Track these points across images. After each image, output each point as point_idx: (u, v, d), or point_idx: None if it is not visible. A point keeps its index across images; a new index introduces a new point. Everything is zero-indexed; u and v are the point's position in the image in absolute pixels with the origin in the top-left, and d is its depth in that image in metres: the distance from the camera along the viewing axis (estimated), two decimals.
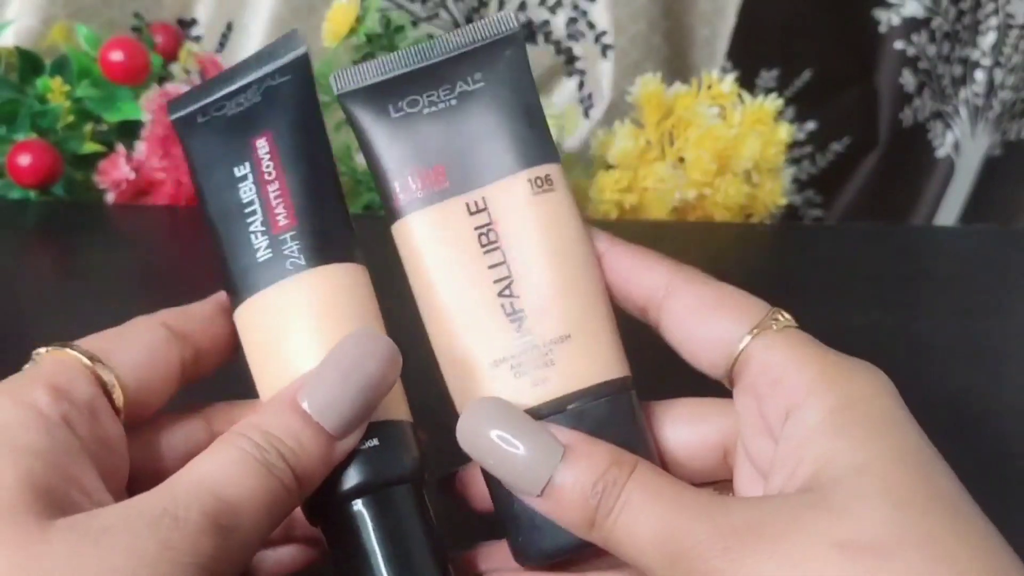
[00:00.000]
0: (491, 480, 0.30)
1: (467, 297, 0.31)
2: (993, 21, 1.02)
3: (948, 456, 0.40)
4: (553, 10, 0.95)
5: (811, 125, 1.04)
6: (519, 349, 0.30)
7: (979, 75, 1.05)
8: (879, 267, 0.67)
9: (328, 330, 0.30)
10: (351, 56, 0.76)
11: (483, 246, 0.31)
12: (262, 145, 0.32)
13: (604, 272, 0.32)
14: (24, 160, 0.66)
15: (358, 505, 0.29)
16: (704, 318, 0.30)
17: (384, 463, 0.29)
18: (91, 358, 0.28)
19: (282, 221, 0.31)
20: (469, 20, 0.94)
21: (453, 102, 0.32)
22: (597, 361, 0.30)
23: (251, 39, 0.87)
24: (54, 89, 0.70)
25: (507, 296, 0.30)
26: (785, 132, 0.76)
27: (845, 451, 0.25)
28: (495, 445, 0.27)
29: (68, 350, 0.28)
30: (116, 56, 0.71)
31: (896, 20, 1.00)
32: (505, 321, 0.30)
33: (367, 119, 0.32)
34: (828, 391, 0.27)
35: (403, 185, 0.31)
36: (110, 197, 0.70)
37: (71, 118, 0.70)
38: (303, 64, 0.34)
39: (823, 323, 0.55)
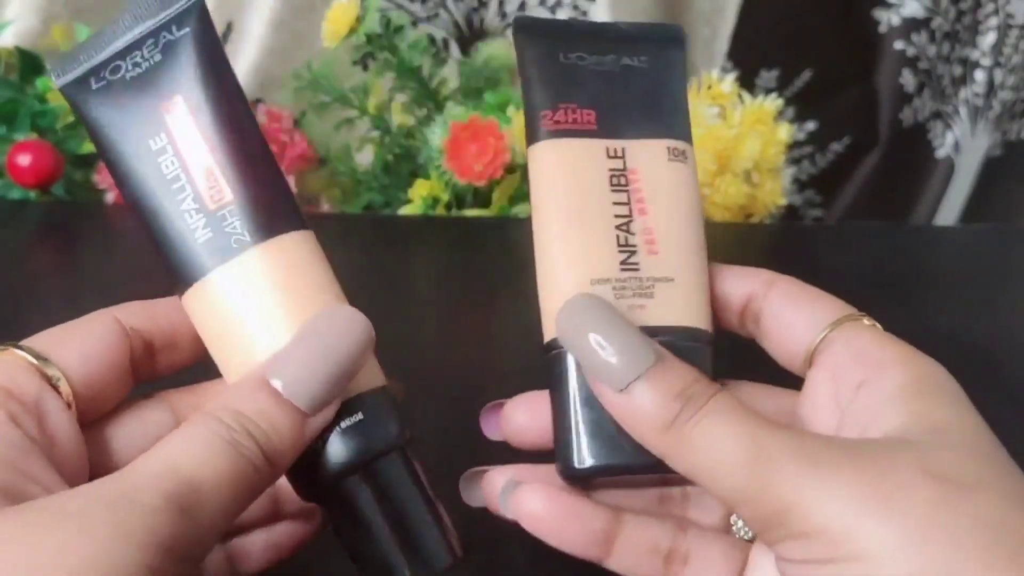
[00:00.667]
0: (559, 383, 0.31)
1: (586, 219, 0.32)
2: (993, 21, 1.02)
3: None
4: (553, 10, 0.95)
5: (811, 125, 1.04)
6: (624, 276, 0.31)
7: (979, 75, 1.05)
8: (879, 267, 0.67)
9: (290, 306, 0.29)
10: (351, 56, 0.76)
11: (613, 185, 0.32)
12: (175, 111, 0.30)
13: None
14: (24, 160, 0.67)
15: (352, 481, 0.29)
16: (801, 305, 0.31)
17: (371, 436, 0.29)
18: (36, 356, 0.28)
19: (216, 196, 0.29)
20: (468, 20, 0.94)
21: (616, 69, 0.34)
22: (691, 308, 0.32)
23: (251, 39, 0.87)
24: (54, 89, 0.70)
25: (624, 231, 0.32)
26: (785, 132, 0.76)
27: (932, 410, 0.26)
28: (590, 337, 0.28)
29: (13, 349, 0.28)
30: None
31: (896, 20, 1.00)
32: (616, 249, 0.32)
33: (537, 53, 0.34)
34: (907, 367, 0.28)
35: (554, 113, 0.33)
36: (110, 197, 0.70)
37: (71, 118, 0.70)
38: (201, 11, 0.31)
39: None
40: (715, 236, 0.72)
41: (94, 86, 0.30)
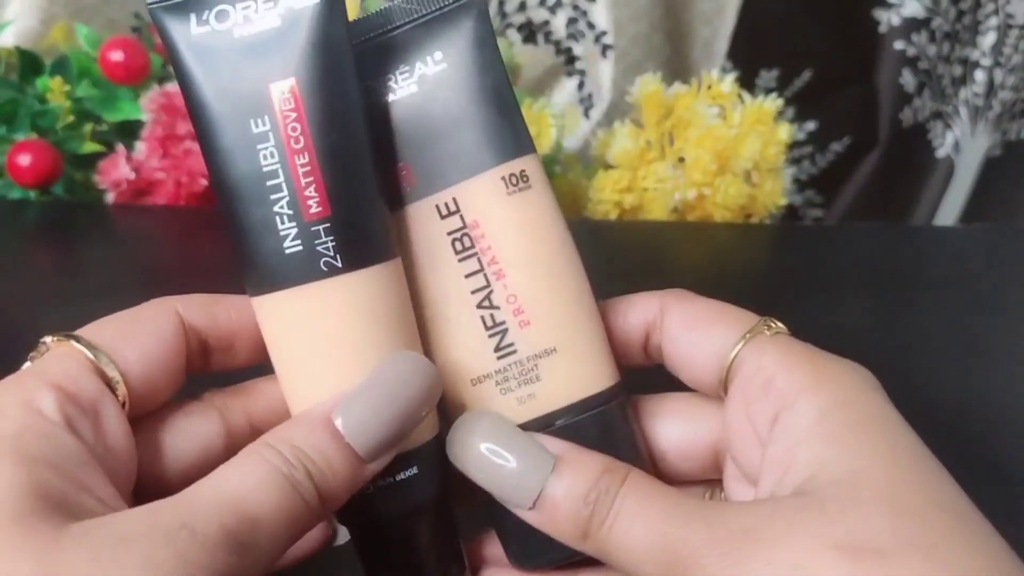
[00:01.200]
0: (483, 491, 0.29)
1: (443, 310, 0.28)
2: (993, 21, 1.02)
3: (948, 456, 0.40)
4: (553, 10, 0.95)
5: (811, 125, 1.04)
6: (502, 365, 0.28)
7: (979, 75, 1.05)
8: (879, 267, 0.67)
9: (367, 343, 0.27)
10: None
11: (457, 253, 0.28)
12: (284, 94, 0.26)
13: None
14: (24, 160, 0.66)
15: (390, 526, 0.29)
16: (697, 330, 0.29)
17: (421, 492, 0.29)
18: (96, 351, 0.27)
19: (314, 207, 0.26)
20: None
21: (413, 88, 0.28)
22: (586, 373, 0.29)
23: None
24: (54, 89, 0.70)
25: (486, 308, 0.28)
26: (785, 132, 0.76)
27: (839, 456, 0.25)
28: (485, 458, 0.27)
29: (73, 343, 0.27)
30: (116, 56, 0.71)
31: (896, 20, 1.00)
32: (485, 335, 0.28)
33: None
34: (817, 393, 0.26)
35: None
36: (110, 197, 0.70)
37: (71, 118, 0.70)
38: None
39: (822, 323, 0.55)
40: (715, 236, 0.72)
41: (194, 28, 0.26)
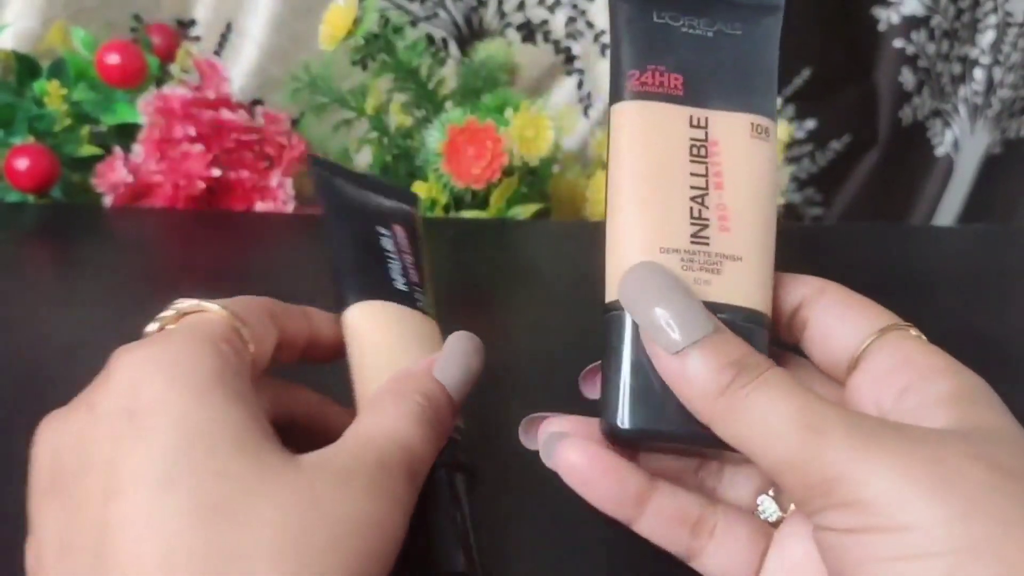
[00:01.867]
0: (613, 344, 0.32)
1: (661, 187, 0.32)
2: (992, 19, 1.02)
3: None
4: (552, 9, 0.95)
5: (811, 123, 1.04)
6: (693, 248, 0.31)
7: (978, 73, 1.04)
8: (878, 267, 0.67)
9: (422, 353, 0.36)
10: (350, 57, 0.76)
11: (692, 156, 0.32)
12: (399, 230, 0.41)
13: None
14: (21, 164, 0.67)
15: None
16: (850, 310, 0.32)
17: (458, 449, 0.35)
18: (238, 319, 0.30)
19: (414, 278, 0.39)
20: (468, 20, 0.94)
21: (710, 34, 0.34)
22: (756, 291, 0.32)
23: (250, 40, 0.87)
24: (51, 92, 0.70)
25: (698, 204, 0.32)
26: (783, 131, 0.76)
27: (973, 414, 0.27)
28: (653, 291, 0.30)
29: (220, 309, 0.30)
30: (112, 59, 0.71)
31: (895, 18, 1.00)
32: (689, 221, 0.32)
33: (629, 9, 0.34)
34: (951, 377, 0.28)
35: (641, 74, 0.33)
36: (108, 200, 0.70)
37: (68, 121, 0.70)
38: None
39: None
40: None
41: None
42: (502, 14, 0.94)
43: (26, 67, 0.72)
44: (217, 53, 0.87)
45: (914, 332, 0.31)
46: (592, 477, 0.31)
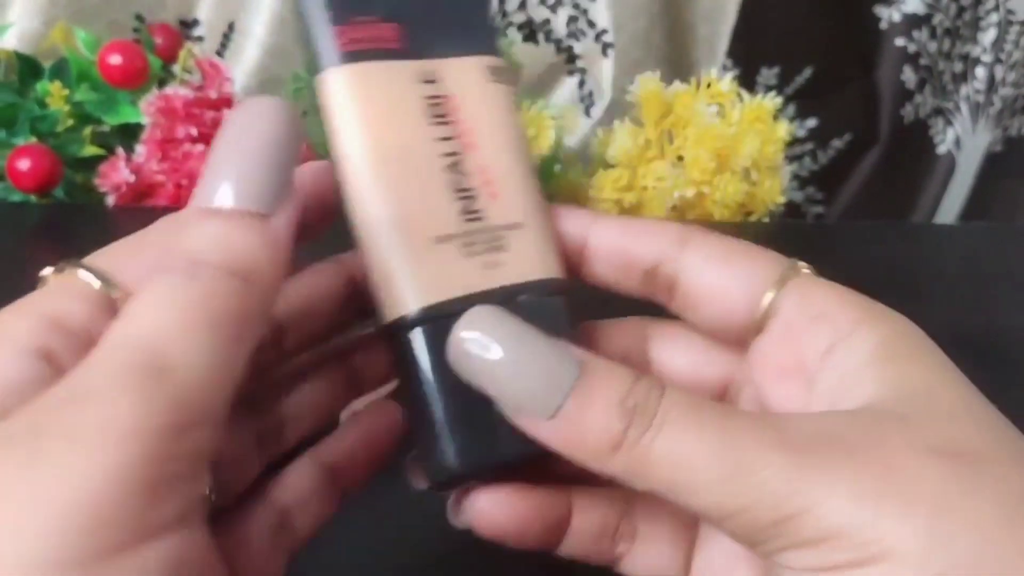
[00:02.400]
0: (414, 370, 0.26)
1: (408, 163, 0.27)
2: (994, 17, 1.02)
3: None
4: (554, 9, 0.95)
5: (812, 122, 1.04)
6: (469, 228, 0.27)
7: (980, 71, 1.04)
8: (879, 266, 0.67)
9: None
10: None
11: (433, 116, 0.27)
12: None
13: (593, 244, 0.29)
14: (24, 164, 0.67)
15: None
16: (731, 264, 0.27)
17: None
18: (102, 278, 0.23)
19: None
20: None
21: None
22: (548, 256, 0.28)
23: (253, 40, 0.87)
24: (53, 93, 0.70)
25: (456, 172, 0.27)
26: (784, 130, 0.76)
27: (906, 376, 0.24)
28: (501, 363, 0.24)
29: (76, 271, 0.24)
30: (114, 59, 0.71)
31: (897, 17, 1.00)
32: (453, 197, 0.27)
33: None
34: (876, 325, 0.25)
35: (347, 31, 0.27)
36: (110, 200, 0.70)
37: (70, 122, 0.71)
38: None
39: None
40: None
41: None
42: (503, 13, 0.95)
43: (28, 67, 0.72)
44: (219, 53, 0.88)
45: (806, 270, 0.27)
46: (509, 518, 0.27)
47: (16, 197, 0.69)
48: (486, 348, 0.24)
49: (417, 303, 0.26)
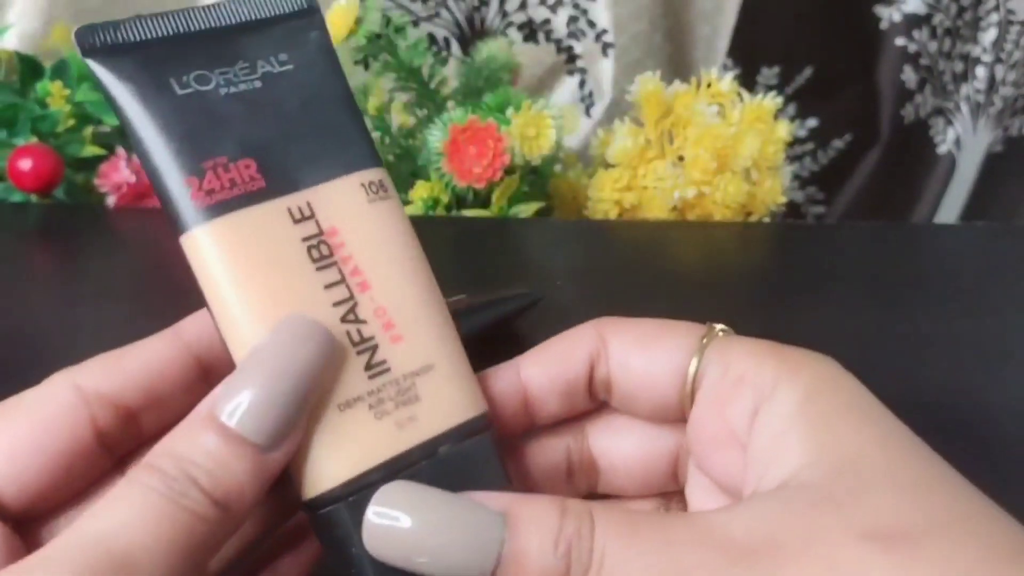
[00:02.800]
0: (340, 548, 0.24)
1: None
2: (994, 17, 1.02)
3: (946, 455, 0.40)
4: (554, 9, 0.95)
5: (812, 122, 1.04)
6: (375, 385, 0.25)
7: (980, 71, 1.04)
8: (879, 266, 0.67)
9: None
10: (352, 56, 0.76)
11: (315, 261, 0.25)
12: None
13: (531, 391, 0.28)
14: (25, 164, 0.67)
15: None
16: (650, 348, 0.27)
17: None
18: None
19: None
20: (469, 20, 0.94)
21: (257, 84, 0.26)
22: (465, 394, 0.26)
23: None
24: (54, 93, 0.70)
25: (351, 322, 0.25)
26: (784, 130, 0.76)
27: (831, 441, 0.23)
28: (423, 539, 0.23)
29: None
30: None
31: (897, 17, 1.00)
32: (352, 352, 0.25)
33: (141, 94, 0.25)
34: (795, 381, 0.25)
35: (199, 181, 0.24)
36: (111, 200, 0.70)
37: (71, 122, 0.71)
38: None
39: (823, 322, 0.55)
40: (715, 235, 0.72)
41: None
42: (504, 13, 0.95)
43: (29, 68, 0.72)
44: None
45: (721, 331, 0.27)
46: None
47: (17, 197, 0.69)
48: (402, 528, 0.23)
49: (328, 482, 0.24)
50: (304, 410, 0.23)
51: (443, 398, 0.25)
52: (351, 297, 0.25)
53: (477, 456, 0.25)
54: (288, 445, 0.23)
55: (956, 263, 0.68)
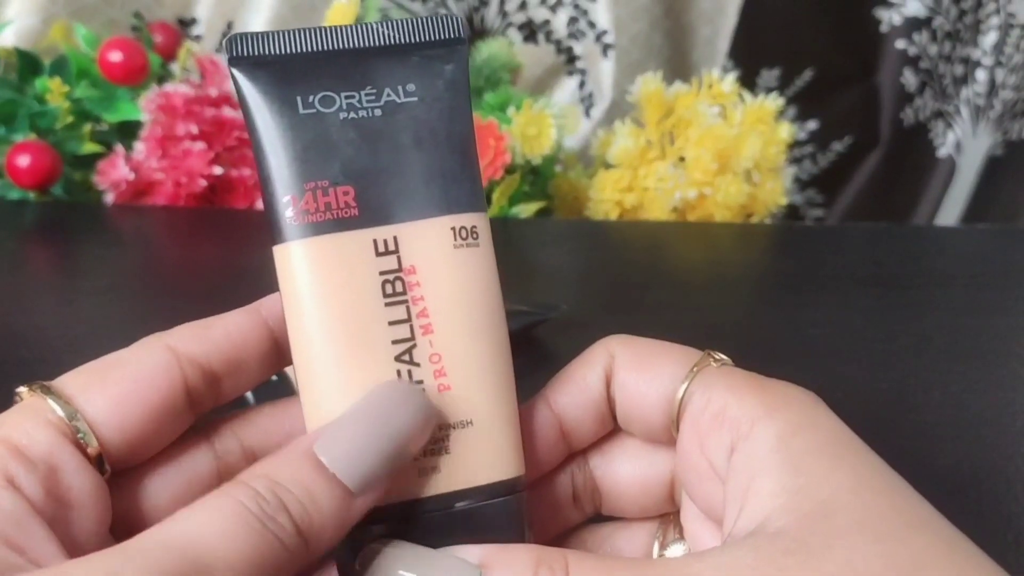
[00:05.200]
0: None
1: (356, 355, 0.25)
2: (994, 20, 1.02)
3: (946, 456, 0.40)
4: (554, 9, 0.94)
5: (812, 124, 1.04)
6: None
7: (980, 74, 1.04)
8: (879, 267, 0.66)
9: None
10: None
11: (387, 296, 0.25)
12: None
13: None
14: (23, 161, 0.66)
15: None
16: (643, 371, 0.28)
17: None
18: (62, 402, 0.25)
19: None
20: (470, 20, 0.94)
21: (377, 112, 0.26)
22: (498, 457, 0.26)
23: None
24: (53, 89, 0.70)
25: (406, 362, 0.25)
26: (786, 131, 0.76)
27: (806, 485, 0.24)
28: None
29: (41, 394, 0.25)
30: (115, 56, 0.71)
31: (897, 19, 1.00)
32: None
33: (267, 104, 0.26)
34: (772, 419, 0.25)
35: (298, 200, 0.25)
36: (109, 197, 0.70)
37: (70, 118, 0.70)
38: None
39: (822, 323, 0.55)
40: (715, 236, 0.72)
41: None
42: (504, 14, 0.94)
43: (28, 64, 0.72)
44: (219, 52, 0.87)
45: (716, 364, 0.27)
46: None
47: (15, 194, 0.69)
48: None
49: None
50: (397, 464, 0.25)
51: (473, 456, 0.26)
52: (411, 338, 0.25)
53: (497, 517, 0.26)
54: (373, 495, 0.24)
55: (956, 265, 0.68)
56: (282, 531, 0.23)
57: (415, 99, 0.26)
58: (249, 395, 0.31)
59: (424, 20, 0.27)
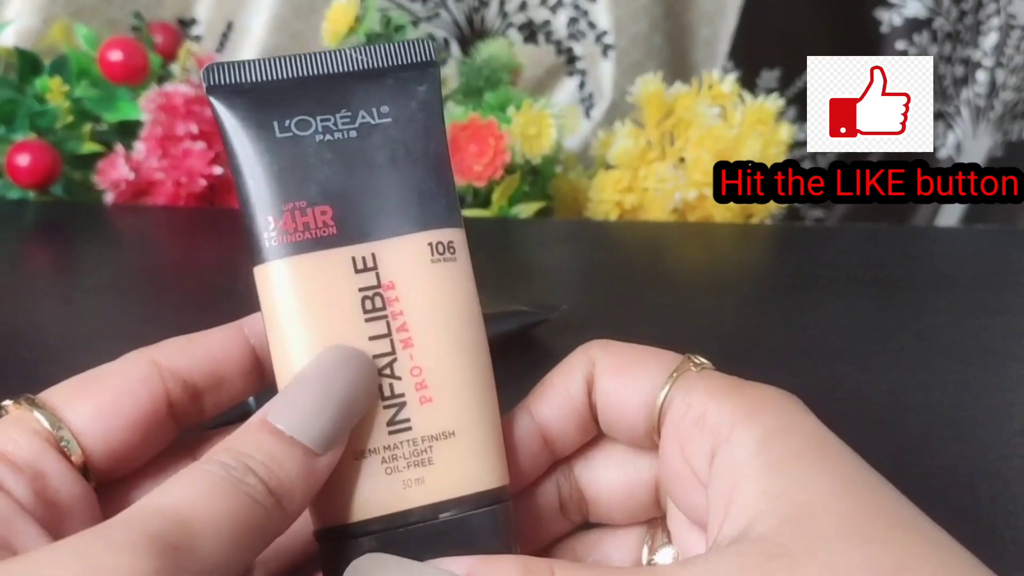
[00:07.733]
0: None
1: None
2: (995, 22, 1.02)
3: (947, 456, 0.40)
4: (554, 10, 0.94)
5: None
6: (393, 441, 0.26)
7: (981, 76, 1.04)
8: (879, 267, 0.66)
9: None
10: None
11: (366, 311, 0.26)
12: None
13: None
14: (23, 160, 0.66)
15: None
16: (624, 376, 0.28)
17: None
18: (49, 413, 0.26)
19: None
20: (469, 20, 0.94)
21: (352, 134, 0.27)
22: (482, 466, 0.27)
23: (251, 39, 0.87)
24: (53, 89, 0.70)
25: (387, 376, 0.26)
26: (786, 132, 0.76)
27: (787, 488, 0.24)
28: None
29: (27, 406, 0.26)
30: (115, 56, 0.71)
31: (898, 20, 1.00)
32: (380, 405, 0.26)
33: (246, 132, 0.27)
34: (752, 423, 0.25)
35: (277, 221, 0.26)
36: (109, 197, 0.70)
37: (70, 118, 0.70)
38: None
39: (822, 322, 0.55)
40: (715, 236, 0.72)
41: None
42: (504, 14, 0.94)
43: (28, 64, 0.72)
44: (219, 52, 0.87)
45: (696, 368, 0.27)
46: None
47: (14, 194, 0.69)
48: None
49: (331, 520, 0.26)
50: (348, 421, 0.25)
51: (456, 467, 0.26)
52: (392, 352, 0.26)
53: (483, 527, 0.26)
54: (332, 453, 0.25)
55: (956, 266, 0.68)
56: (253, 490, 0.23)
57: (389, 120, 0.27)
58: (251, 400, 0.31)
59: (397, 45, 0.28)
